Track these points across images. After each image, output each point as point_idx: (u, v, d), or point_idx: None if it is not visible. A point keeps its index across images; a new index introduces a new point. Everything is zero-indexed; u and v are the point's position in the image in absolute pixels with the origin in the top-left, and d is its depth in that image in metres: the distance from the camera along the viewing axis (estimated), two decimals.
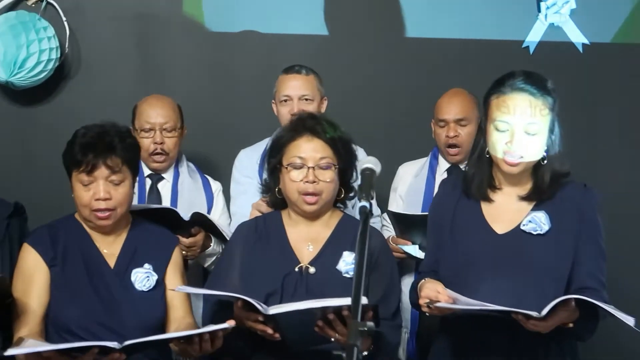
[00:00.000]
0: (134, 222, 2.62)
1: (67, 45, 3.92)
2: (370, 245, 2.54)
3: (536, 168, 2.49)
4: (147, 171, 3.40)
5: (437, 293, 2.39)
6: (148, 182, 3.39)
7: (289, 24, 4.08)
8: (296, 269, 2.54)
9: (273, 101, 3.50)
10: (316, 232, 2.62)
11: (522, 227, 2.47)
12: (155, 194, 3.38)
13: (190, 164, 3.50)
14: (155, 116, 3.32)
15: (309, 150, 2.57)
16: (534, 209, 2.49)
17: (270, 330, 2.33)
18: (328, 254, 2.56)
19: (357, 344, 1.60)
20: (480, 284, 2.43)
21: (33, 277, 2.46)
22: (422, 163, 3.64)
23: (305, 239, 2.61)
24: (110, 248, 2.55)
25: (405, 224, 3.24)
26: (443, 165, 3.56)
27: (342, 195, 2.65)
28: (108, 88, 4.00)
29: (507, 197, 2.53)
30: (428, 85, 3.95)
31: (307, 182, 2.55)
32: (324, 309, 2.22)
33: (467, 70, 4.02)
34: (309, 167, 2.56)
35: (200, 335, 2.26)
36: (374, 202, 3.60)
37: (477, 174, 2.55)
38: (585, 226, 2.47)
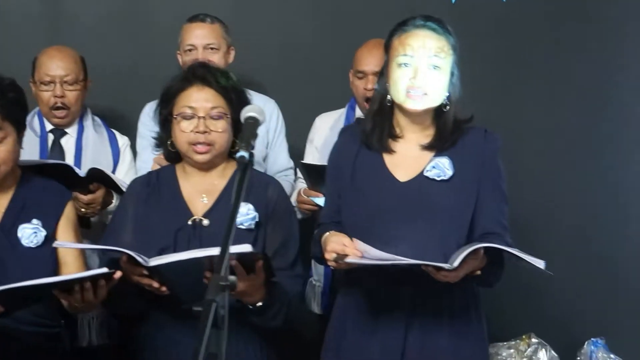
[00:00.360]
0: (24, 178, 2.51)
1: None
2: (267, 195, 2.52)
3: (438, 115, 2.45)
4: (49, 126, 3.28)
5: (344, 246, 2.33)
6: (50, 137, 3.27)
7: None
8: (189, 222, 2.47)
9: (178, 52, 3.40)
10: (211, 183, 2.55)
11: (425, 174, 2.43)
12: (57, 149, 3.26)
13: (97, 119, 3.39)
14: (55, 68, 3.20)
15: (200, 99, 2.49)
16: (436, 156, 2.44)
17: (155, 284, 2.26)
18: (222, 205, 2.49)
19: (216, 299, 1.53)
20: (384, 233, 2.39)
21: None
22: (339, 114, 3.57)
23: (200, 191, 2.54)
24: None
25: (315, 175, 3.18)
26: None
27: (236, 147, 2.57)
28: (11, 39, 3.84)
29: (409, 146, 2.48)
30: (347, 35, 3.86)
31: (197, 132, 2.47)
32: (208, 259, 2.15)
33: (387, 20, 3.92)
34: (199, 117, 2.47)
35: (80, 284, 2.18)
36: (286, 154, 3.57)
37: (378, 125, 2.49)
38: (486, 171, 2.43)
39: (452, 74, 2.41)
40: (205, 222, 2.47)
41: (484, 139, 2.46)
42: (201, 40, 3.30)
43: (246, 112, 1.99)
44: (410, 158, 2.46)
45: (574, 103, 4.11)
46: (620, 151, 4.12)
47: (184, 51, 3.35)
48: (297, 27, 4.03)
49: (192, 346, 1.47)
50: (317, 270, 3.48)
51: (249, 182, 2.49)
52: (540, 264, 2.19)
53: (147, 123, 3.33)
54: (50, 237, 2.45)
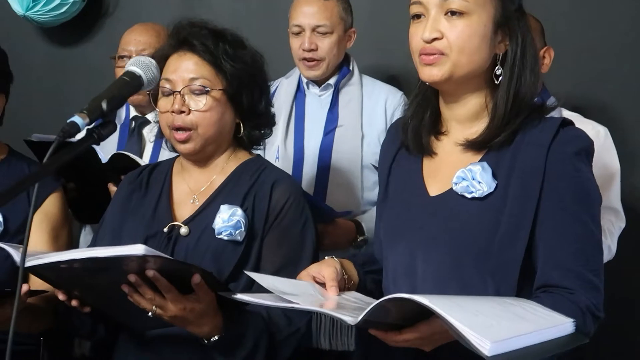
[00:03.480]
0: (4, 162, 2.15)
1: None
2: (273, 197, 1.89)
3: (494, 94, 1.66)
4: (133, 112, 2.90)
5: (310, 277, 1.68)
6: (132, 125, 2.89)
7: None
8: (165, 230, 1.90)
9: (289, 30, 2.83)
10: (206, 181, 1.97)
11: (453, 186, 1.65)
12: (136, 138, 2.86)
13: None
14: (135, 43, 2.83)
15: (179, 69, 1.91)
16: (482, 159, 1.65)
17: (61, 296, 1.71)
18: (212, 210, 1.91)
19: None
20: (403, 261, 1.69)
21: None
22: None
23: (193, 190, 1.97)
24: None
25: None
26: None
27: (242, 131, 1.97)
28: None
29: (452, 144, 1.71)
30: None
31: (173, 112, 1.89)
32: (129, 260, 1.55)
33: None
34: (175, 92, 1.90)
35: None
36: None
37: (415, 115, 1.75)
38: (551, 188, 1.59)
39: (499, 25, 1.62)
40: (184, 230, 1.90)
41: (554, 136, 1.61)
42: (310, 20, 2.71)
43: (129, 65, 1.41)
44: (450, 163, 1.70)
45: None
46: None
47: (291, 32, 2.78)
48: None
49: None
50: None
51: (252, 178, 1.93)
52: (484, 347, 1.30)
53: None
54: (12, 233, 2.03)
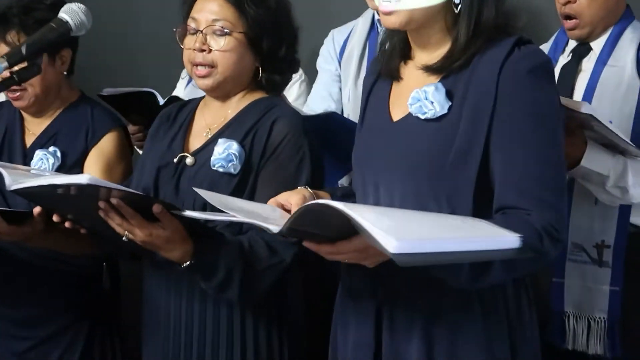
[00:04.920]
0: (73, 105, 2.38)
1: None
2: (272, 132, 1.99)
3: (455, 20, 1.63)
4: None
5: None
6: None
7: None
8: (175, 160, 2.05)
9: None
10: (222, 117, 2.09)
11: (409, 108, 1.65)
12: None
13: None
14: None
15: (204, 10, 2.02)
16: (440, 81, 1.63)
17: (55, 217, 1.90)
18: (216, 142, 2.02)
19: None
20: (366, 186, 1.74)
21: None
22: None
23: (209, 124, 2.10)
24: (36, 128, 2.36)
25: None
26: None
27: (261, 73, 2.06)
28: None
29: (416, 69, 1.70)
30: None
31: (195, 50, 2.02)
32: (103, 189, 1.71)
33: None
34: (198, 32, 2.02)
35: None
36: None
37: (388, 40, 1.76)
38: (504, 106, 1.55)
39: None
40: (189, 160, 2.03)
41: (509, 53, 1.56)
42: None
43: (60, 13, 1.55)
44: (412, 87, 1.68)
45: None
46: None
47: None
48: None
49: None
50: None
51: (258, 115, 2.02)
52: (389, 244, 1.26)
53: (323, 51, 2.93)
54: (69, 166, 2.28)
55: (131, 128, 2.55)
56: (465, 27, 1.59)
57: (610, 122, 2.06)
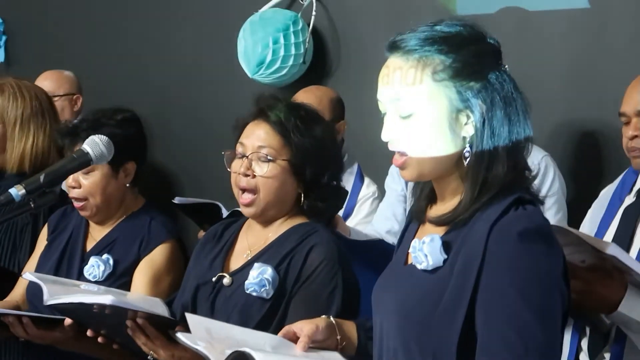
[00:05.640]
0: (134, 214, 2.48)
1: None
2: (308, 258, 2.00)
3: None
4: None
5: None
6: None
7: None
8: (214, 279, 2.09)
9: None
10: (263, 239, 2.13)
11: (410, 255, 1.63)
12: None
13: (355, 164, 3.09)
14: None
15: (252, 136, 2.09)
16: (445, 233, 1.59)
17: (89, 333, 1.98)
18: (253, 265, 2.05)
19: None
20: (375, 329, 1.70)
21: (38, 246, 2.56)
22: None
23: (250, 246, 2.14)
24: (97, 235, 2.48)
25: None
26: None
27: (303, 200, 2.09)
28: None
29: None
30: None
31: (240, 174, 2.08)
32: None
33: None
34: (244, 157, 2.08)
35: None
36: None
37: (420, 187, 1.72)
38: (490, 269, 1.49)
39: (459, 109, 1.53)
40: (226, 280, 2.07)
41: (503, 213, 1.51)
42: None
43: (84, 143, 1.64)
44: (426, 234, 1.64)
45: None
46: None
47: None
48: None
49: None
50: None
51: (297, 240, 2.04)
52: None
53: (394, 173, 2.93)
54: (119, 274, 2.35)
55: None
56: (471, 182, 1.54)
57: None
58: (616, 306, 1.92)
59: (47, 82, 3.80)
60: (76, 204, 2.41)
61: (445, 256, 1.54)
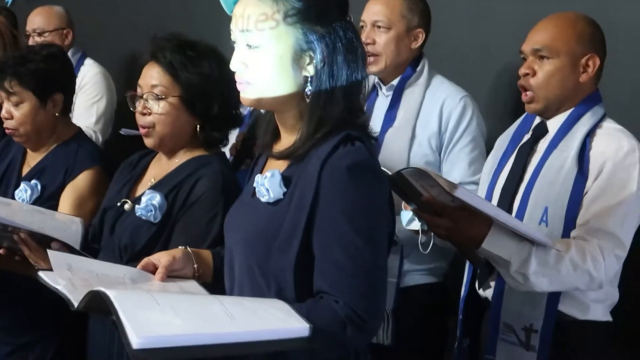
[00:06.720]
0: (64, 142, 2.68)
1: None
2: (195, 188, 2.16)
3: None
4: None
5: None
6: None
7: None
8: (118, 204, 2.30)
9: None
10: (166, 169, 2.32)
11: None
12: None
13: None
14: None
15: (146, 77, 2.27)
16: (286, 168, 1.75)
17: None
18: (146, 191, 2.27)
19: None
20: (227, 251, 1.87)
21: None
22: None
23: (155, 176, 2.33)
24: (32, 161, 2.69)
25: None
26: None
27: (199, 131, 2.26)
28: None
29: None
30: None
31: (138, 113, 2.26)
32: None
33: None
34: (141, 97, 2.26)
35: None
36: (464, 164, 2.73)
37: (267, 114, 1.86)
38: (322, 202, 1.65)
39: (302, 50, 1.68)
40: (127, 206, 2.28)
41: (333, 149, 1.66)
42: (370, 17, 2.80)
43: None
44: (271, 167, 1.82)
45: None
46: None
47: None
48: None
49: None
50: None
51: (189, 171, 2.22)
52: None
53: None
54: (45, 199, 2.56)
55: None
56: (308, 119, 1.68)
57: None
58: (481, 243, 2.06)
59: (37, 17, 3.97)
60: (9, 132, 2.63)
61: (285, 189, 1.70)
